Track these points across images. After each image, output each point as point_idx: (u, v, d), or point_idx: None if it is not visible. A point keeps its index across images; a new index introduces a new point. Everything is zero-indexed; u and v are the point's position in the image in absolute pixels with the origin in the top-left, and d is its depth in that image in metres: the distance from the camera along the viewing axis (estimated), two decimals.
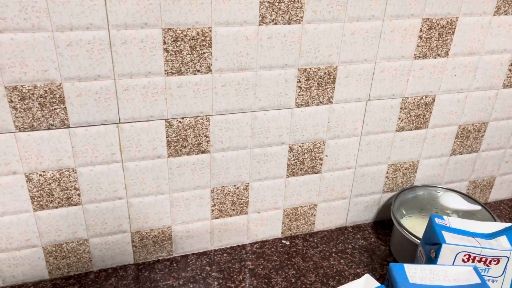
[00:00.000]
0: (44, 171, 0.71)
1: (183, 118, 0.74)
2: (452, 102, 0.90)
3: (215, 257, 0.87)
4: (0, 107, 0.64)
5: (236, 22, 0.69)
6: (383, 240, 0.93)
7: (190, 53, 0.69)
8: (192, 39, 0.69)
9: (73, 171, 0.72)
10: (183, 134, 0.76)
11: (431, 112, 0.90)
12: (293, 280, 0.82)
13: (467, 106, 0.91)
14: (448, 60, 0.85)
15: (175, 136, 0.75)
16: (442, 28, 0.81)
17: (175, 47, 0.68)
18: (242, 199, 0.85)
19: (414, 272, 0.58)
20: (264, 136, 0.80)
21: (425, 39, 0.81)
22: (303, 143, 0.84)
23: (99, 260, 0.82)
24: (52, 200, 0.73)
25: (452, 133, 0.94)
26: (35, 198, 0.72)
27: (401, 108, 0.87)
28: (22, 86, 0.64)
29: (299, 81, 0.78)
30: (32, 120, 0.67)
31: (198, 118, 0.75)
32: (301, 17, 0.72)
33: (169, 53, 0.68)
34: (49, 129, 0.68)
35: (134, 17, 0.65)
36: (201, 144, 0.77)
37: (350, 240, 0.93)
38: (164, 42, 0.67)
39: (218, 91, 0.74)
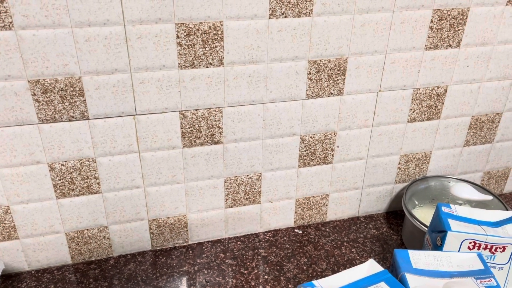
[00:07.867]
0: (65, 161, 0.75)
1: (196, 110, 0.77)
2: (465, 92, 0.90)
3: (229, 245, 0.90)
4: (24, 100, 0.68)
5: (247, 16, 0.71)
6: (395, 230, 0.94)
7: (202, 46, 0.72)
8: (204, 33, 0.71)
9: (92, 161, 0.76)
10: (197, 126, 0.78)
11: (443, 103, 0.90)
12: (304, 267, 0.84)
13: (480, 96, 0.91)
14: (460, 50, 0.85)
15: (189, 128, 0.78)
16: (453, 18, 0.81)
17: (188, 41, 0.71)
18: (255, 189, 0.88)
19: (418, 258, 0.59)
20: (276, 127, 0.82)
21: (436, 30, 0.82)
22: (314, 134, 0.85)
23: (119, 246, 0.85)
24: (73, 189, 0.77)
25: (465, 123, 0.94)
26: (58, 187, 0.76)
27: (412, 99, 0.87)
28: (44, 79, 0.68)
29: (310, 73, 0.79)
30: (54, 112, 0.71)
31: (211, 110, 0.77)
32: (311, 10, 0.74)
33: (182, 47, 0.71)
34: (69, 120, 0.72)
35: (148, 12, 0.67)
36: (214, 135, 0.80)
37: (362, 230, 0.94)
38: (178, 37, 0.70)
39: (230, 84, 0.76)
